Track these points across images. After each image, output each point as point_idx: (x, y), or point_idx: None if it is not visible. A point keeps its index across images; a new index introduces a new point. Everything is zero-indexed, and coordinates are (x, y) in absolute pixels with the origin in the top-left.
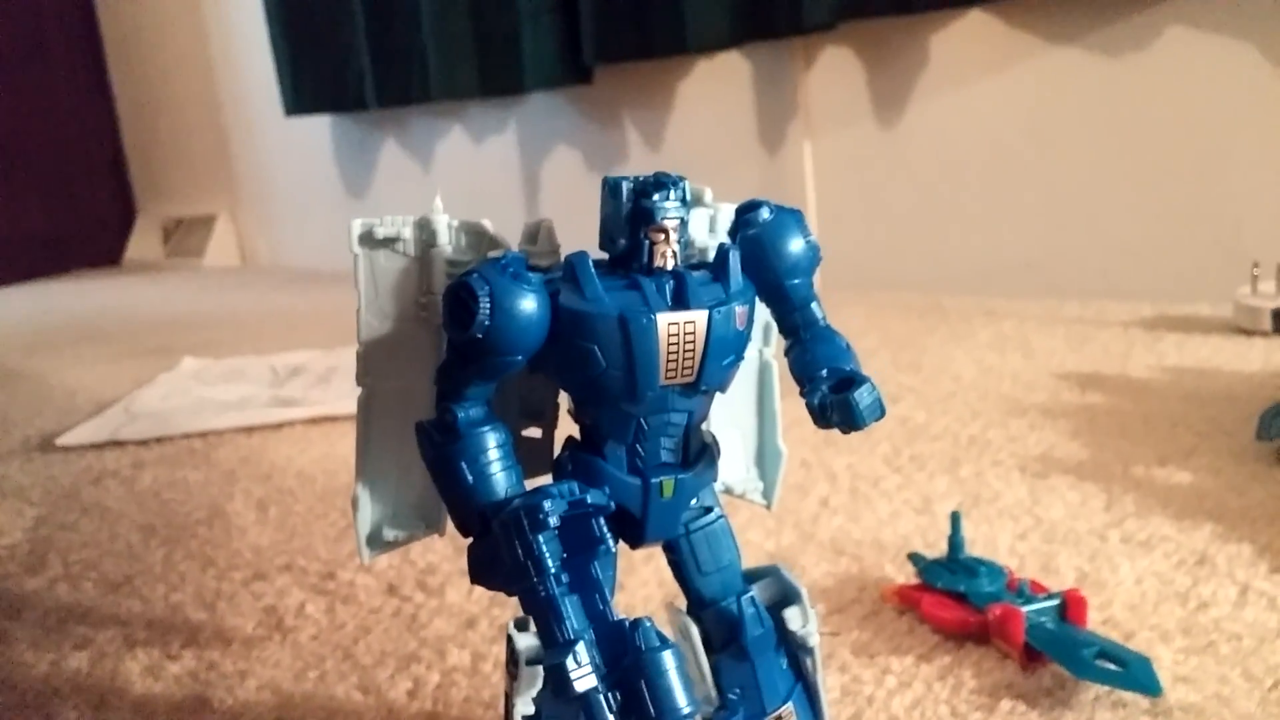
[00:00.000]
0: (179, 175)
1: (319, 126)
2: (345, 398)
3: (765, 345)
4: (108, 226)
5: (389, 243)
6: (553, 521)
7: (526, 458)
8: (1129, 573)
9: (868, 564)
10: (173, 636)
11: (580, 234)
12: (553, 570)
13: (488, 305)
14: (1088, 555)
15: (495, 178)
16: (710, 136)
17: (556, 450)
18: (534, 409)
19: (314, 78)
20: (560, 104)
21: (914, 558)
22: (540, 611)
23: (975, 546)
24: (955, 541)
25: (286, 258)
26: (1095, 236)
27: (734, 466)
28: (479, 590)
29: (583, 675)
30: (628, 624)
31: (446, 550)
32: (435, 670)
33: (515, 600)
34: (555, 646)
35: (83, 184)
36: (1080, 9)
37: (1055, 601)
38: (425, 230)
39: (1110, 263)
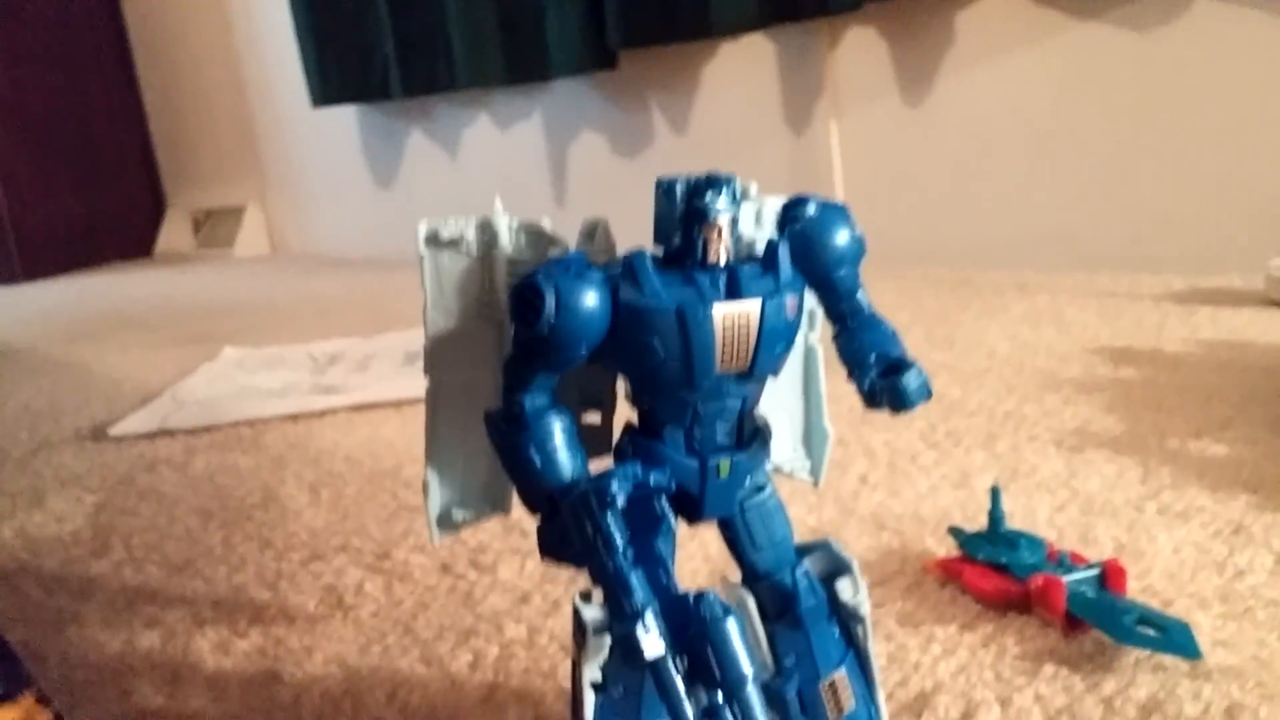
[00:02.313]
0: (208, 166)
1: (346, 116)
2: (385, 383)
3: (811, 331)
4: (138, 218)
5: (453, 244)
6: (620, 501)
7: (587, 442)
8: (1166, 543)
9: (909, 538)
10: (239, 615)
11: (608, 218)
12: (620, 546)
13: (553, 303)
14: (1125, 526)
15: (522, 164)
16: (737, 118)
17: (615, 434)
18: (593, 397)
19: (339, 68)
20: (586, 89)
21: (954, 531)
22: (609, 584)
23: (1014, 520)
24: (995, 515)
25: (316, 246)
26: (1126, 209)
27: (782, 447)
28: (531, 566)
29: (652, 642)
30: (692, 596)
31: (497, 530)
32: (494, 643)
33: (567, 576)
34: (624, 616)
35: (113, 177)
36: None
37: (1095, 571)
38: (487, 231)
39: (1142, 235)
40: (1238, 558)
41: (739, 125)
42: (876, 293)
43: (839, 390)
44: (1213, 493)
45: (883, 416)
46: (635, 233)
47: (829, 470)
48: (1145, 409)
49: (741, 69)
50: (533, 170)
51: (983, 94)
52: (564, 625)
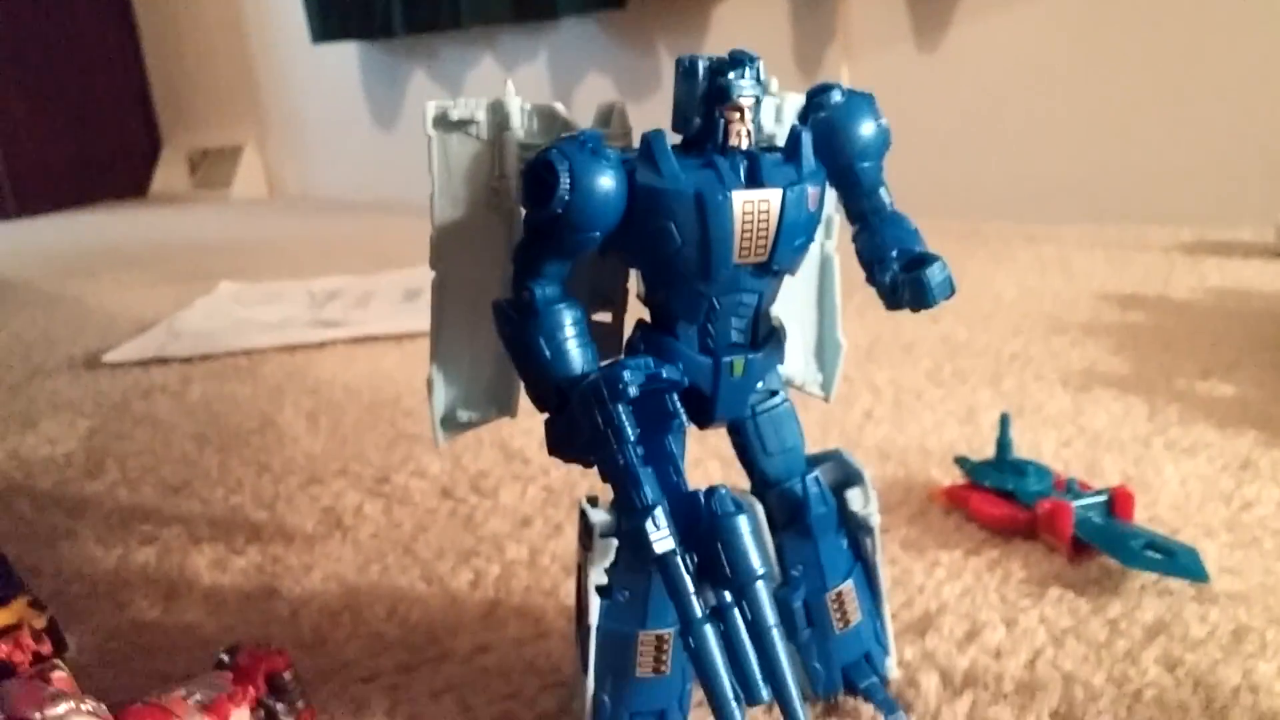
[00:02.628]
0: (204, 106)
1: (347, 54)
2: (385, 319)
3: (827, 239)
4: (133, 158)
5: (463, 125)
6: (632, 391)
7: (599, 340)
8: (1173, 475)
9: (914, 468)
10: (236, 533)
11: None
12: (631, 438)
13: (568, 181)
14: (1132, 460)
15: None
16: None
17: (626, 334)
18: (604, 294)
19: (340, 3)
20: (593, 30)
21: (961, 460)
22: (619, 478)
23: (1021, 452)
24: (1003, 442)
25: (314, 188)
26: (1135, 160)
27: (794, 359)
28: (533, 493)
29: (662, 538)
30: (702, 492)
31: (498, 456)
32: (495, 563)
33: (569, 501)
34: (633, 511)
35: (108, 115)
36: None
37: (1103, 497)
38: (499, 113)
39: (1152, 187)
40: (1245, 490)
41: None
42: None
43: (848, 319)
44: (1220, 430)
45: (888, 354)
46: None
47: (833, 405)
48: (1152, 351)
49: (752, 11)
50: None
51: (994, 41)
52: (566, 547)
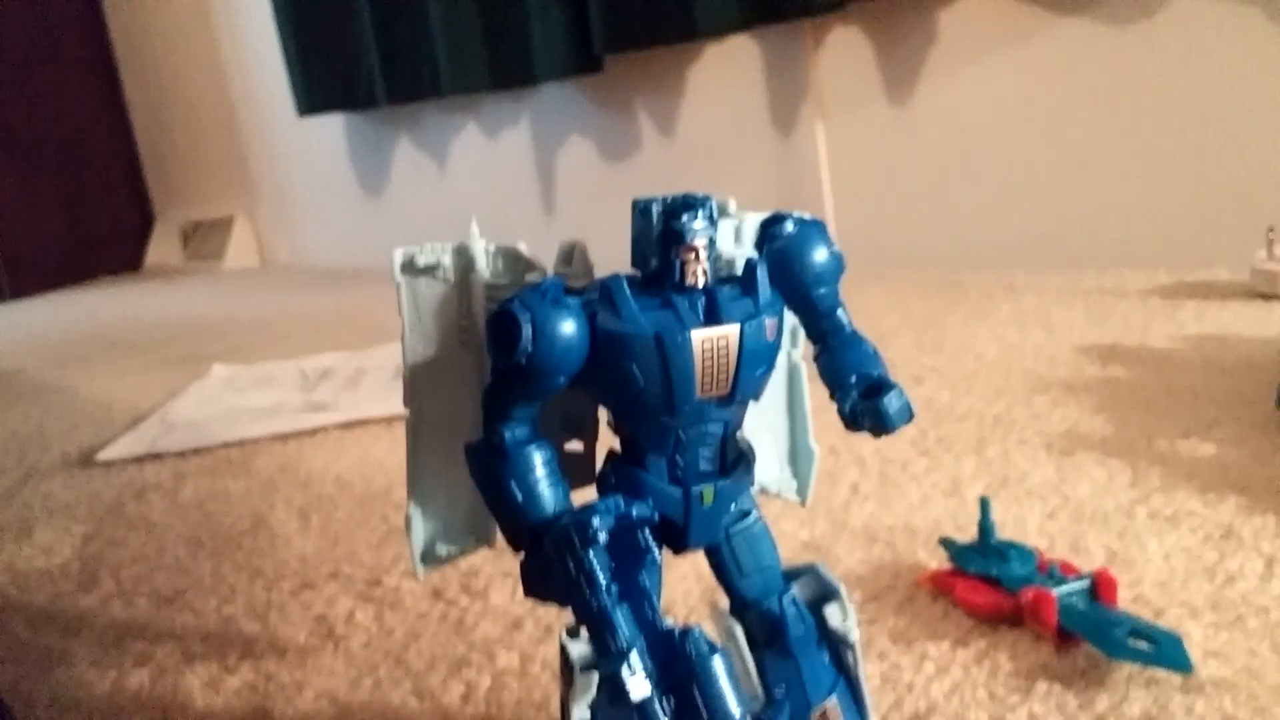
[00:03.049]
0: (195, 178)
1: (333, 125)
2: (376, 400)
3: (794, 348)
4: (127, 232)
5: (429, 270)
6: (602, 537)
7: (570, 470)
8: (1157, 549)
9: (901, 550)
10: (229, 649)
11: (596, 221)
12: (604, 583)
13: (530, 331)
14: (1116, 533)
15: (510, 170)
16: (723, 121)
17: (598, 461)
18: (575, 422)
19: (325, 77)
20: (572, 94)
21: (946, 543)
22: (593, 623)
23: (1005, 528)
24: (985, 526)
25: (305, 257)
26: (1111, 205)
27: (768, 466)
28: (523, 592)
29: (638, 684)
30: (677, 632)
31: (487, 553)
32: (486, 673)
33: (573, 613)
34: (609, 656)
35: (100, 191)
36: None
37: (1086, 583)
38: (464, 256)
39: (1127, 231)
40: (1228, 563)
41: (725, 127)
42: (864, 296)
43: (828, 400)
44: (1202, 495)
45: None
46: (622, 235)
47: (820, 480)
48: (1133, 409)
49: (726, 71)
50: (521, 176)
51: (966, 93)
52: (555, 652)
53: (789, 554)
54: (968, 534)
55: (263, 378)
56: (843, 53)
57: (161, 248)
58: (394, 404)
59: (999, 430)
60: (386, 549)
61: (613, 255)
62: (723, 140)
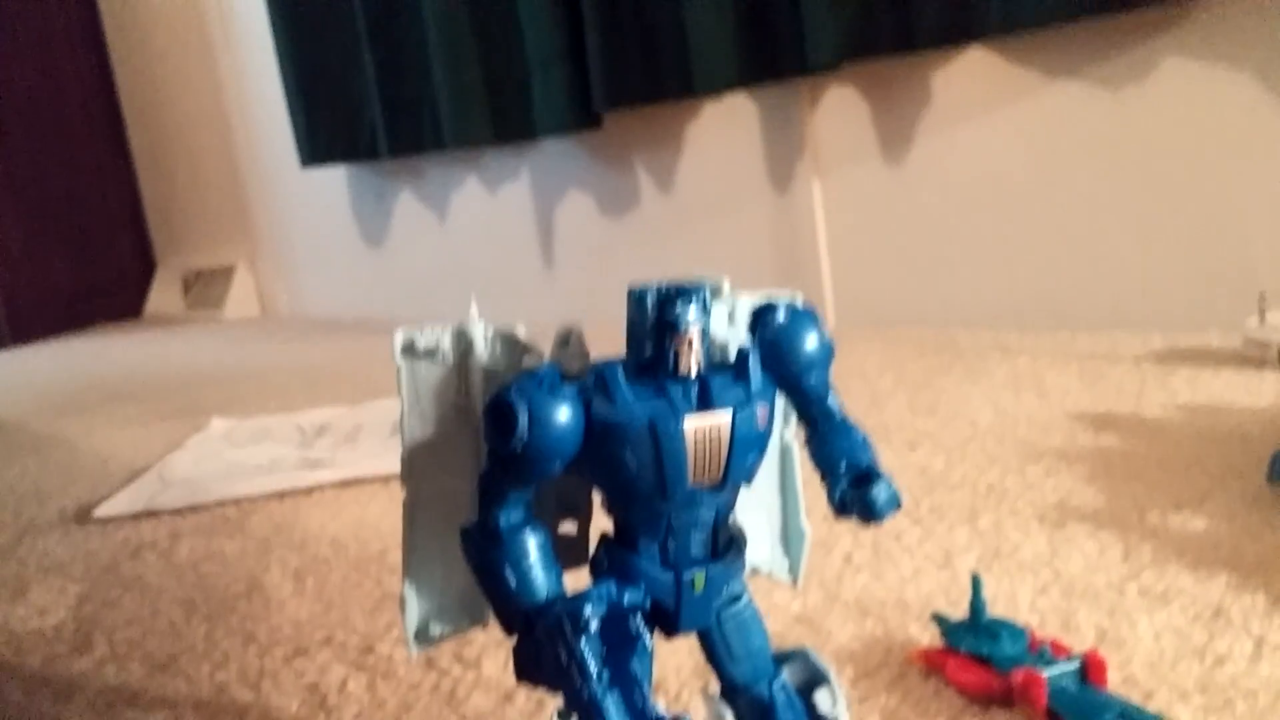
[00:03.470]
0: (197, 227)
1: (335, 176)
2: (373, 457)
3: (785, 427)
4: (128, 279)
5: (429, 353)
6: (593, 626)
7: (564, 552)
8: (1147, 629)
9: (893, 625)
10: (221, 718)
11: (595, 275)
12: (595, 672)
13: (526, 420)
14: (1106, 610)
15: (510, 222)
16: (720, 177)
17: (592, 541)
18: (570, 504)
19: (328, 128)
20: (572, 149)
21: (938, 619)
22: (584, 710)
23: (997, 604)
24: (976, 605)
25: (306, 307)
26: (1105, 268)
27: (760, 547)
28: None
29: None
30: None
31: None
32: None
33: (563, 700)
34: None
35: (102, 238)
36: (1078, 44)
37: (1076, 664)
38: (463, 340)
39: (1121, 294)
40: (1217, 643)
41: (723, 183)
42: (861, 355)
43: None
44: (1193, 571)
45: None
46: (619, 289)
47: (814, 549)
48: (1126, 480)
49: (724, 128)
50: (521, 229)
51: (961, 153)
52: None
53: (781, 626)
54: (960, 608)
55: (260, 432)
56: (839, 112)
57: (163, 295)
58: (391, 461)
59: (992, 499)
60: (380, 615)
61: (611, 311)
62: (720, 196)
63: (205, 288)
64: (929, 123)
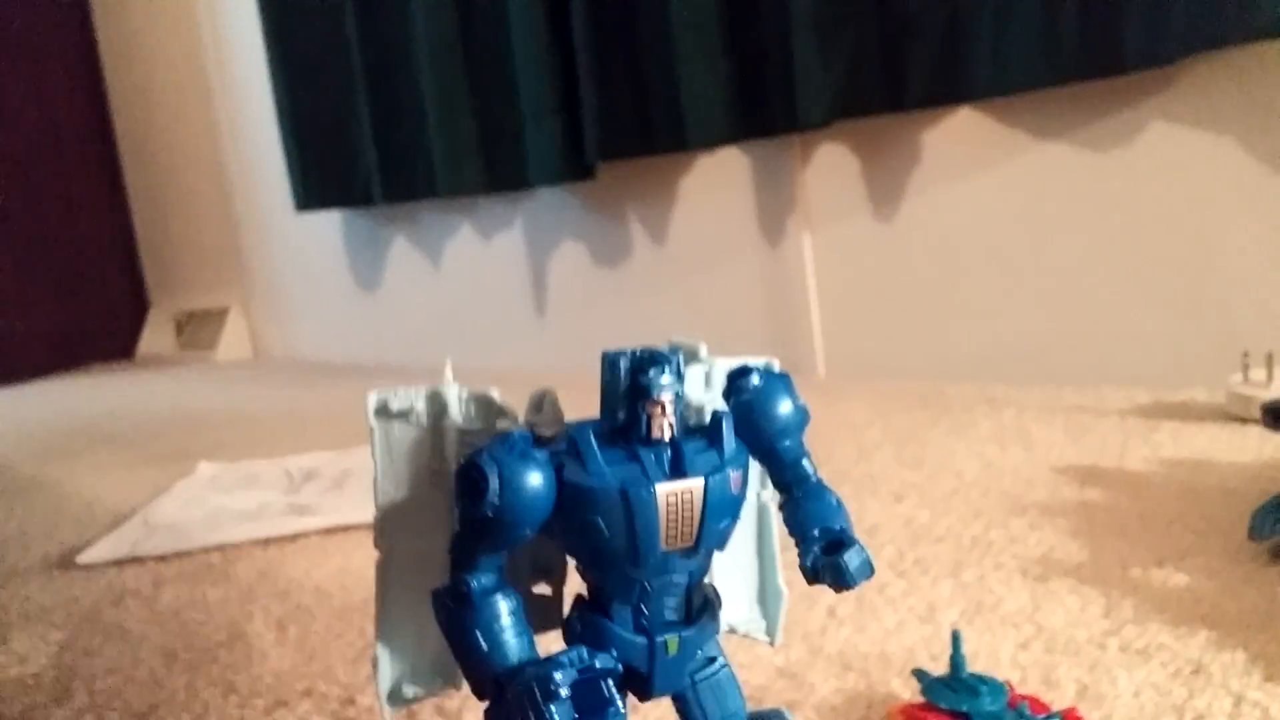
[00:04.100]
0: (191, 268)
1: (330, 221)
2: (359, 504)
3: (763, 489)
4: (120, 320)
5: (403, 415)
6: (563, 691)
7: (537, 614)
8: (1127, 685)
9: (874, 680)
10: None
11: (586, 324)
12: None
13: (497, 485)
14: (1087, 666)
15: (503, 271)
16: (712, 230)
17: (566, 603)
18: (544, 566)
19: (323, 174)
20: (565, 199)
21: (919, 674)
22: None
23: (978, 659)
24: (956, 660)
25: (298, 350)
26: (1091, 323)
27: (737, 607)
28: None
29: None
30: None
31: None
32: None
33: None
34: None
35: (95, 278)
36: (1066, 106)
37: None
38: (436, 402)
39: (1106, 349)
40: (1196, 701)
41: (714, 236)
42: (849, 407)
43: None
44: (1174, 628)
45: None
46: (608, 339)
47: (798, 602)
48: (1109, 534)
49: (717, 182)
50: (513, 277)
51: (949, 210)
52: None
53: (764, 679)
54: (941, 662)
55: (248, 478)
56: (830, 168)
57: (155, 337)
58: None
59: (976, 553)
60: (361, 666)
61: (598, 361)
62: (712, 248)
63: (198, 329)
64: (918, 180)
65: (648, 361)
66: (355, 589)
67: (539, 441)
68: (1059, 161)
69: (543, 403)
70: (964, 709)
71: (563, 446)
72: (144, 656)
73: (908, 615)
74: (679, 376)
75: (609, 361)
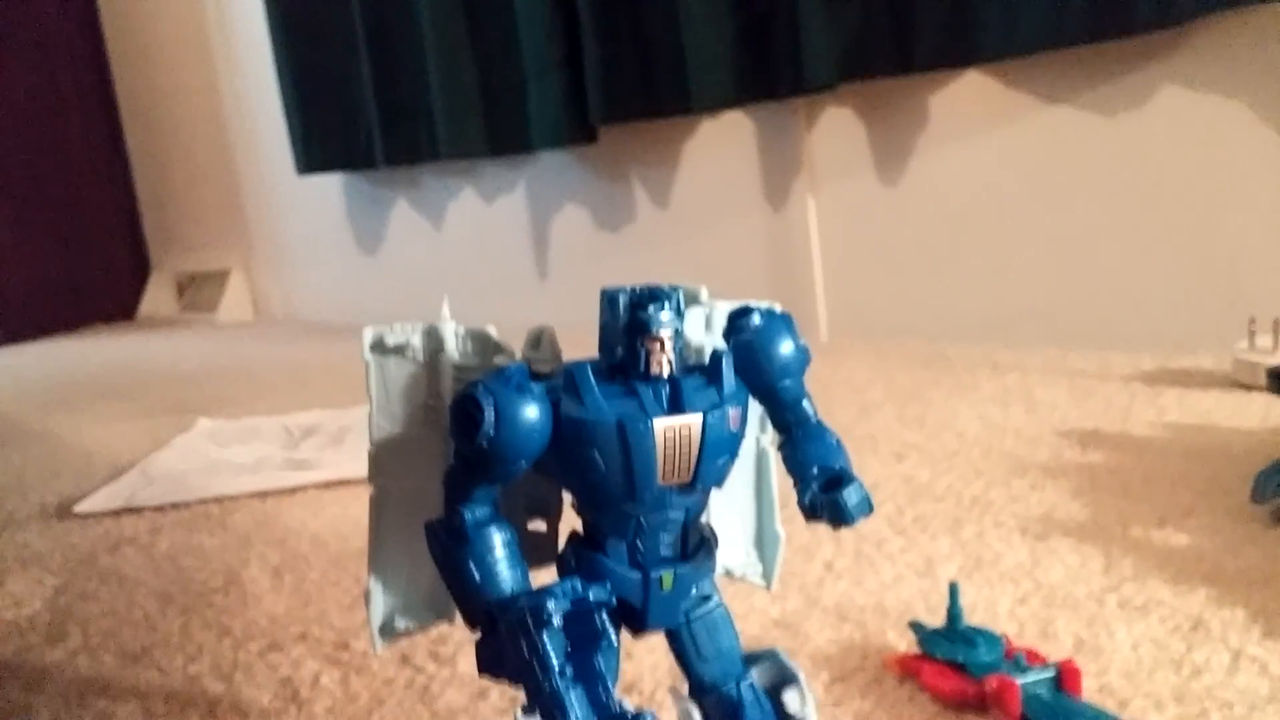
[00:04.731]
0: (193, 230)
1: (332, 183)
2: (358, 459)
3: (762, 433)
4: (122, 281)
5: (399, 350)
6: (556, 620)
7: (532, 550)
8: (1125, 639)
9: (870, 631)
10: (191, 710)
11: (588, 288)
12: (556, 666)
13: (492, 416)
14: (1085, 620)
15: (505, 235)
16: (716, 193)
17: (561, 541)
18: (539, 503)
19: (325, 136)
20: (568, 162)
21: (915, 626)
22: (546, 705)
23: (976, 612)
24: (953, 612)
25: (299, 312)
26: (1097, 288)
27: (734, 550)
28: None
29: None
30: (630, 716)
31: (456, 618)
32: None
33: (525, 695)
34: None
35: (97, 239)
36: (1073, 69)
37: (1051, 672)
38: (433, 338)
39: (1112, 314)
40: (1195, 655)
41: (718, 200)
42: (851, 368)
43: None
44: (1173, 585)
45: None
46: None
47: (795, 555)
48: (1110, 495)
49: (721, 145)
50: (515, 241)
51: (956, 174)
52: None
53: (759, 630)
54: (938, 616)
55: (247, 432)
56: (835, 132)
57: (156, 298)
58: None
59: (976, 511)
60: (357, 611)
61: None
62: (716, 212)
63: (199, 291)
64: (924, 143)
65: (647, 298)
66: (352, 537)
67: (536, 377)
68: (1067, 125)
69: (540, 339)
70: (960, 659)
71: (560, 382)
72: (139, 600)
73: (905, 570)
74: (679, 314)
75: (608, 298)
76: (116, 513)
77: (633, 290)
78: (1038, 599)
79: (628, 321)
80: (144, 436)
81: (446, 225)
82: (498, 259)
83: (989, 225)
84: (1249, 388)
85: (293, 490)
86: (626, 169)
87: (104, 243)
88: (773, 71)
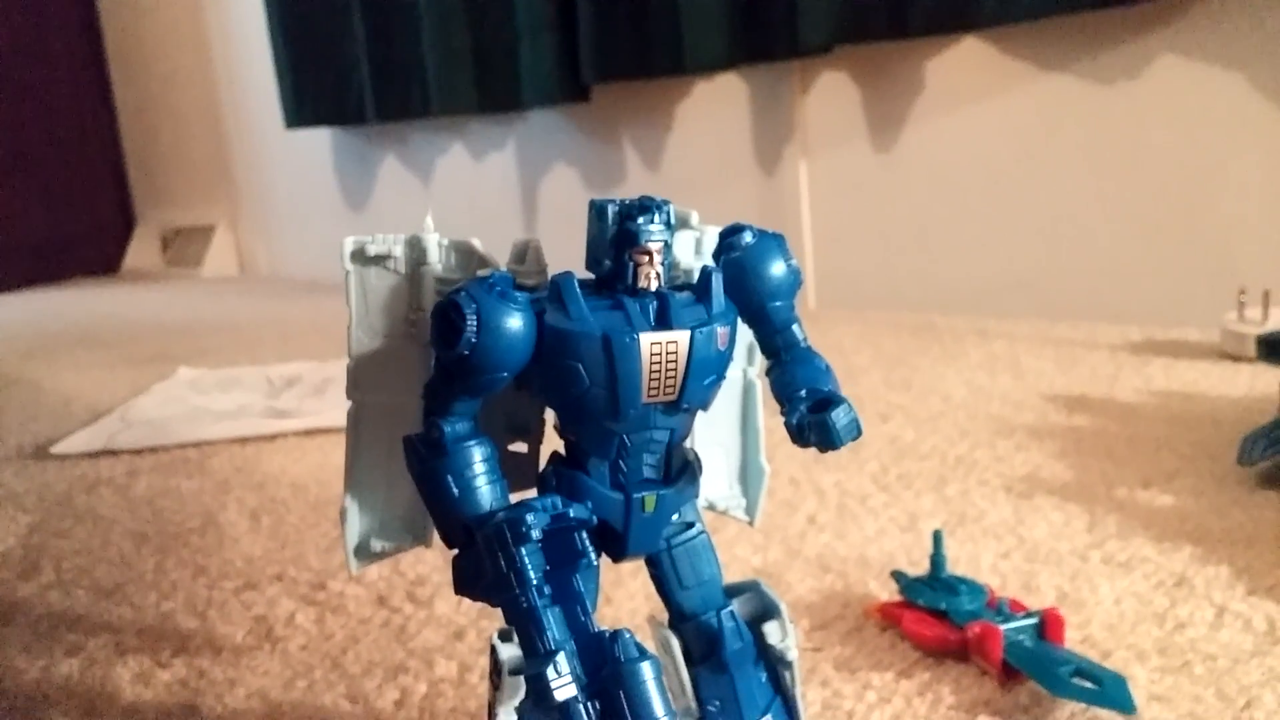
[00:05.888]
0: (179, 184)
1: (320, 139)
2: (339, 409)
3: (749, 365)
4: (107, 234)
5: (380, 260)
6: (535, 534)
7: (512, 472)
8: (1108, 593)
9: (852, 581)
10: (163, 644)
11: (577, 251)
12: (534, 582)
13: (474, 323)
14: (1068, 575)
15: (494, 194)
16: (708, 156)
17: (541, 463)
18: (520, 424)
19: (314, 91)
20: (560, 121)
21: (897, 575)
22: (522, 622)
23: (959, 565)
24: (937, 560)
25: (285, 268)
26: (1086, 259)
27: (717, 483)
28: (467, 602)
29: (563, 685)
30: (607, 635)
31: (436, 561)
32: (422, 680)
33: (502, 613)
34: (536, 656)
35: (83, 191)
36: (1071, 37)
37: (1033, 620)
38: (416, 248)
39: (1101, 285)
40: (1179, 610)
41: (710, 162)
42: (838, 334)
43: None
44: (1157, 544)
45: (835, 457)
46: None
47: (777, 509)
48: (1095, 457)
49: (714, 107)
50: (505, 199)
51: (949, 141)
52: None
53: (739, 577)
54: (921, 568)
55: (228, 381)
56: (829, 96)
57: (141, 252)
58: None
59: (960, 470)
60: (335, 554)
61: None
62: (707, 174)
63: (184, 245)
64: (919, 110)
65: (637, 209)
66: (332, 483)
67: (521, 289)
68: (1063, 94)
69: (525, 253)
70: (942, 607)
71: (545, 293)
72: (114, 539)
73: (888, 524)
74: (669, 227)
75: (596, 208)
76: (94, 455)
77: (621, 201)
78: (1020, 554)
79: (616, 233)
80: (124, 384)
81: (435, 182)
82: (486, 217)
83: (980, 194)
84: (1237, 359)
85: (273, 437)
86: (618, 129)
87: (89, 196)
88: (768, 33)
